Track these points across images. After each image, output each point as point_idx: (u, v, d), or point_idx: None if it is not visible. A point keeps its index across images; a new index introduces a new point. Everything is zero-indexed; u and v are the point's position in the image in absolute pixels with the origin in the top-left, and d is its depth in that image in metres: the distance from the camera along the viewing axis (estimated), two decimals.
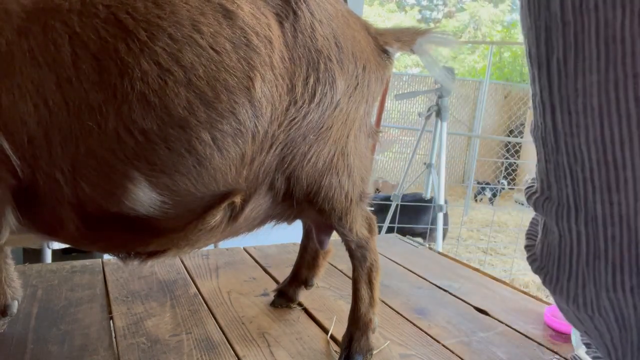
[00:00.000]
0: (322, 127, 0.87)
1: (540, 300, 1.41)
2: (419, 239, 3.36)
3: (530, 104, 0.64)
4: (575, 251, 0.60)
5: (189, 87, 0.71)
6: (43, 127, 0.68)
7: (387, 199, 3.76)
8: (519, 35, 12.96)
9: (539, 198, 0.65)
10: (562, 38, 0.54)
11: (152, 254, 0.87)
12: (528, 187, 0.70)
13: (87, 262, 1.46)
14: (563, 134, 0.57)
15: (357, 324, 1.01)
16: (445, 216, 3.65)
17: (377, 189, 7.28)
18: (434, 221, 3.66)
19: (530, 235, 0.74)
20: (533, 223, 0.75)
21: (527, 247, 0.73)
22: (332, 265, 1.53)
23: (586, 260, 0.59)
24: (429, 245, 1.91)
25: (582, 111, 0.54)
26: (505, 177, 7.32)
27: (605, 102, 0.52)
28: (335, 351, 1.04)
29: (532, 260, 0.70)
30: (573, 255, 0.60)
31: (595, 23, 0.51)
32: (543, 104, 0.59)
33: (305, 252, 1.23)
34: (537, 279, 4.15)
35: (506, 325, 1.23)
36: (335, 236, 1.07)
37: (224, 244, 1.65)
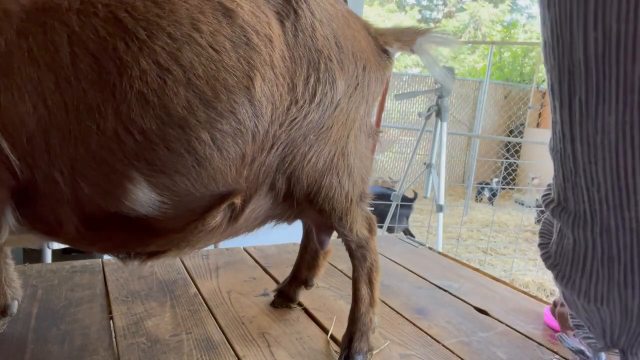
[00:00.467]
0: (323, 127, 0.87)
1: (540, 300, 1.41)
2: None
3: (552, 129, 0.72)
4: (589, 255, 0.68)
5: (188, 86, 0.71)
6: (42, 127, 0.68)
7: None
8: (519, 35, 12.97)
9: (556, 208, 0.73)
10: (585, 83, 0.61)
11: (152, 255, 0.87)
12: (545, 195, 0.77)
13: (87, 262, 1.45)
14: (582, 162, 0.65)
15: (357, 324, 1.01)
16: (395, 212, 3.73)
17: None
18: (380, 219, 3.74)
19: (544, 234, 0.82)
20: (546, 223, 0.83)
21: (541, 245, 0.81)
22: (332, 265, 1.53)
23: (601, 262, 0.67)
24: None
25: (601, 145, 0.62)
26: (505, 177, 7.32)
27: (622, 139, 0.60)
28: (335, 351, 1.04)
29: (546, 257, 0.78)
30: (587, 257, 0.69)
31: (615, 73, 0.58)
32: (563, 133, 0.67)
33: (305, 252, 1.23)
34: (537, 279, 4.17)
35: (506, 325, 1.23)
36: (335, 236, 1.07)
37: (224, 244, 1.65)
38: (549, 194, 0.76)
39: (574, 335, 1.05)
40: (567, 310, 1.13)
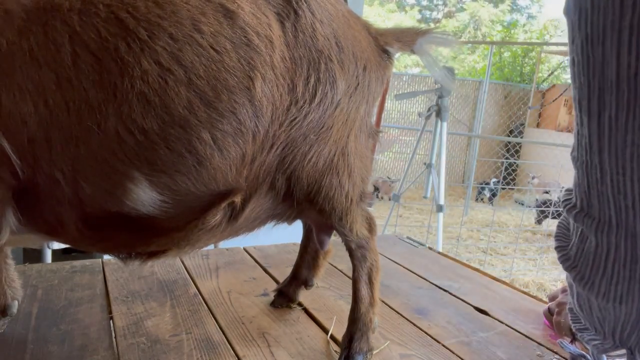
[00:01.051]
0: (323, 127, 0.87)
1: (540, 300, 1.41)
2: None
3: (575, 140, 0.75)
4: (611, 257, 0.72)
5: (189, 86, 0.71)
6: (43, 127, 0.68)
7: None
8: (519, 35, 12.97)
9: (579, 213, 0.76)
10: (616, 101, 0.64)
11: (152, 254, 0.87)
12: (566, 200, 0.81)
13: (87, 262, 1.45)
14: (609, 172, 0.68)
15: (357, 324, 1.01)
16: None
17: (377, 188, 7.31)
18: None
19: (560, 237, 0.86)
20: (561, 227, 0.87)
21: (558, 248, 0.85)
22: (332, 265, 1.53)
23: (624, 263, 0.71)
24: None
25: (630, 158, 0.65)
26: (505, 177, 7.32)
27: None
28: (335, 351, 1.04)
29: (564, 259, 0.82)
30: (609, 259, 0.72)
31: None
32: (590, 145, 0.70)
33: (305, 252, 1.23)
34: (537, 279, 4.17)
35: (506, 325, 1.23)
36: (335, 236, 1.07)
37: (224, 244, 1.65)
38: (570, 199, 0.79)
39: (571, 341, 1.07)
40: (563, 317, 1.14)
